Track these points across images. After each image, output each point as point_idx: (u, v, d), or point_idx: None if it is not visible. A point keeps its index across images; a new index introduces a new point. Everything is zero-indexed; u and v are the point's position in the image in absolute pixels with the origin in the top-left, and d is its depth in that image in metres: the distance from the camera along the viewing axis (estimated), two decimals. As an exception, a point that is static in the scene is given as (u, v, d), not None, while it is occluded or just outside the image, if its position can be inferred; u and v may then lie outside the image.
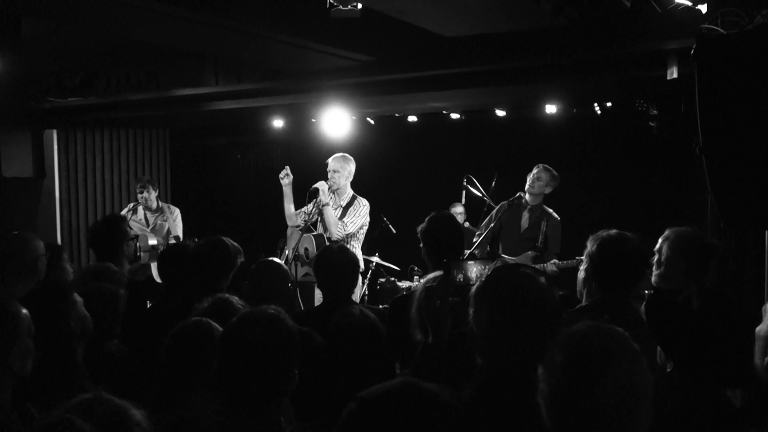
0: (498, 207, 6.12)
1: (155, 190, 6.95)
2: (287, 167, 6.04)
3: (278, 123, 8.30)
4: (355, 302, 3.61)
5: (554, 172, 6.02)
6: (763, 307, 1.96)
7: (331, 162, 6.10)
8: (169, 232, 6.83)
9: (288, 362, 1.93)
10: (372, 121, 8.17)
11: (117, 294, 3.19)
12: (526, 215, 6.00)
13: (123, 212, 6.97)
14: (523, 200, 5.99)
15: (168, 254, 4.11)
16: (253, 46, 4.92)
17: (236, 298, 2.84)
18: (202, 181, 8.42)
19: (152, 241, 6.50)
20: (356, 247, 5.94)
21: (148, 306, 4.35)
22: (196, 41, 4.97)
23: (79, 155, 8.07)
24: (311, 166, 8.52)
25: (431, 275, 2.56)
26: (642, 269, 2.88)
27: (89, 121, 7.93)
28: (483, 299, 1.92)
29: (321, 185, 5.84)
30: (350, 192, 6.07)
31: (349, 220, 5.89)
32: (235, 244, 4.05)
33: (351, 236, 5.91)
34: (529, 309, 1.87)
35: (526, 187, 5.98)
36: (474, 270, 2.35)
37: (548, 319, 1.87)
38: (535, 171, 6.00)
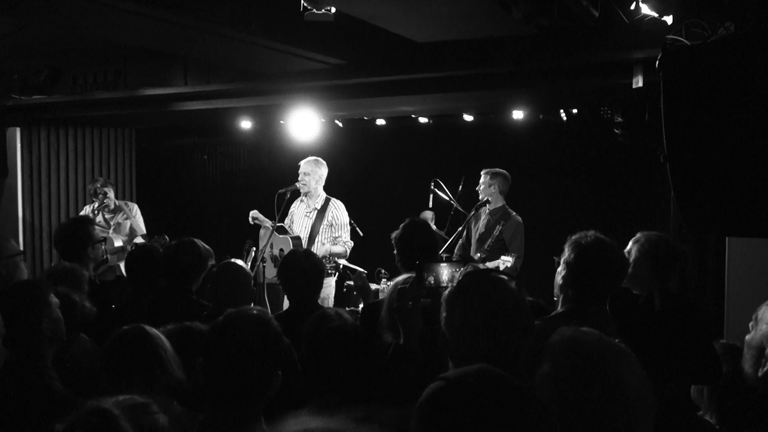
0: (471, 214, 6.23)
1: (111, 189, 6.82)
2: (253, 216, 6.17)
3: (246, 124, 8.26)
4: (323, 306, 3.62)
5: (498, 170, 6.14)
6: (755, 315, 2.02)
7: (303, 165, 6.11)
8: (132, 229, 6.74)
9: (271, 363, 1.95)
10: (340, 124, 8.18)
11: (71, 299, 3.11)
12: (484, 220, 6.13)
13: (105, 204, 6.79)
14: (487, 205, 6.12)
15: (137, 255, 4.07)
16: (223, 47, 4.89)
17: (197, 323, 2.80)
18: (168, 181, 8.34)
19: (118, 243, 6.42)
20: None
21: (114, 307, 4.30)
22: (165, 41, 4.91)
23: (42, 154, 7.94)
24: (278, 168, 8.52)
25: (402, 277, 2.58)
26: (621, 276, 2.81)
27: (54, 119, 7.81)
28: (455, 303, 1.96)
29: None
30: (323, 195, 6.10)
31: (341, 233, 6.03)
32: (207, 246, 4.03)
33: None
34: (499, 313, 1.90)
35: (481, 198, 6.14)
36: (445, 272, 2.39)
37: (518, 323, 1.91)
38: (481, 178, 6.13)
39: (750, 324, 2.11)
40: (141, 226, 6.79)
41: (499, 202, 6.12)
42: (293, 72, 5.55)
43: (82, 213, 6.96)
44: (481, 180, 6.14)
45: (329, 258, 5.91)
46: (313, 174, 6.02)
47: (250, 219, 6.23)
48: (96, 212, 6.78)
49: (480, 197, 6.14)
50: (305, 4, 3.74)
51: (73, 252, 4.18)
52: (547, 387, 1.54)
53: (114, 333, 2.39)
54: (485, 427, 1.29)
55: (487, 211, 6.14)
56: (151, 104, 6.79)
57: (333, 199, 6.10)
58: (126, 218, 6.76)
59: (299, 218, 6.16)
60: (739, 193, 2.79)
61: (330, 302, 5.98)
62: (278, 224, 5.98)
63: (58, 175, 8.08)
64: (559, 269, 2.82)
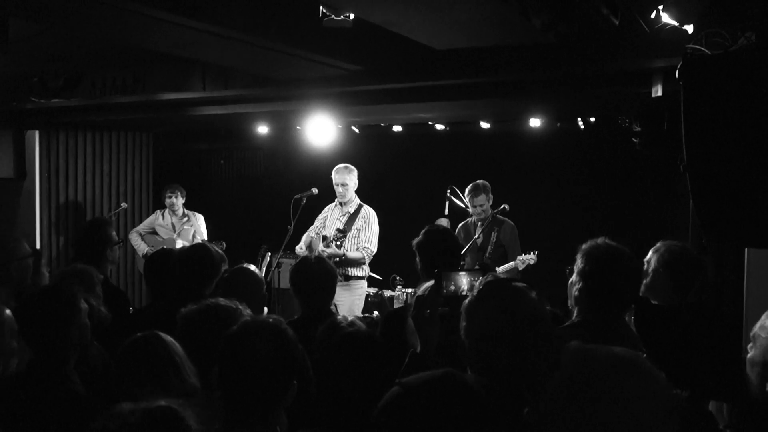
0: (457, 230, 6.23)
1: (183, 197, 7.52)
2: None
3: (263, 129, 8.29)
4: (334, 313, 3.60)
5: (478, 183, 6.15)
6: (751, 333, 2.00)
7: (337, 176, 6.17)
8: (194, 236, 7.31)
9: (288, 372, 1.95)
10: (357, 130, 8.19)
11: (89, 304, 3.11)
12: (479, 230, 6.15)
13: (151, 217, 7.68)
14: (474, 217, 6.18)
15: (154, 260, 4.08)
16: (241, 53, 4.91)
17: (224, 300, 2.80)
18: (185, 185, 8.38)
19: (179, 245, 6.83)
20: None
21: (131, 311, 4.33)
22: (184, 46, 4.94)
23: (60, 157, 8.00)
24: (295, 173, 8.54)
25: (424, 285, 2.57)
26: (636, 285, 2.79)
27: (72, 122, 7.87)
28: (475, 312, 1.95)
29: (314, 243, 6.06)
30: (356, 201, 6.17)
31: (366, 238, 6.07)
32: (219, 250, 4.03)
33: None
34: (519, 323, 1.89)
35: (475, 217, 6.15)
36: (464, 281, 2.38)
37: (538, 333, 1.90)
38: (472, 201, 6.13)
39: (749, 345, 2.08)
40: (203, 233, 7.45)
41: (488, 211, 6.14)
42: (310, 78, 5.56)
43: (152, 216, 7.69)
44: (479, 201, 6.08)
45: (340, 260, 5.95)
46: (350, 182, 6.15)
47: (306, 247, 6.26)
48: (164, 215, 7.54)
49: (481, 217, 6.12)
50: (324, 11, 3.76)
51: (91, 253, 4.21)
52: (557, 396, 1.53)
53: (128, 339, 2.40)
54: None
55: (478, 222, 6.16)
56: (169, 109, 6.84)
57: (365, 207, 6.17)
58: (191, 225, 7.42)
59: (332, 222, 6.20)
60: (759, 203, 2.77)
61: (361, 302, 6.05)
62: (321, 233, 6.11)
63: (76, 178, 8.14)
64: (572, 279, 2.79)
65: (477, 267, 3.19)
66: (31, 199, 7.82)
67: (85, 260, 4.14)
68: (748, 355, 1.98)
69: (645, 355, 2.03)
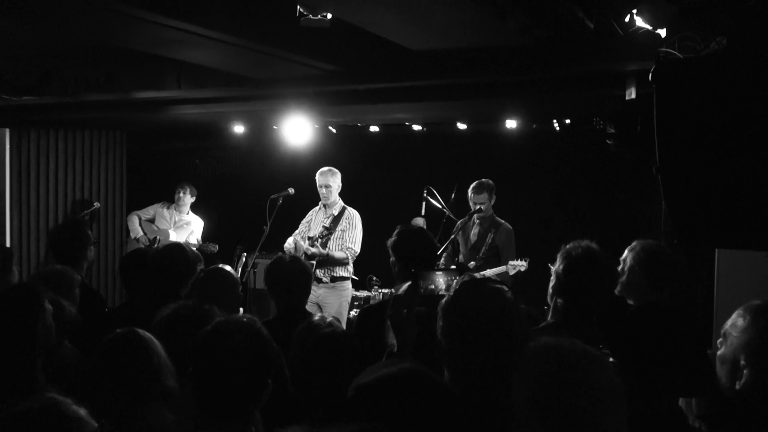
0: (456, 227, 6.24)
1: (192, 197, 7.64)
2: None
3: (239, 129, 8.25)
4: (310, 313, 3.60)
5: (483, 181, 6.14)
6: (722, 330, 2.03)
7: (321, 178, 6.20)
8: (190, 236, 7.43)
9: (262, 372, 1.94)
10: (334, 130, 8.19)
11: (60, 304, 3.06)
12: (475, 230, 6.17)
13: (156, 205, 7.78)
14: (475, 216, 6.14)
15: (129, 259, 4.06)
16: (218, 52, 4.87)
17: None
18: (159, 185, 8.30)
19: (172, 238, 7.10)
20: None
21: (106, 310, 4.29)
22: (159, 45, 4.90)
23: (32, 155, 7.88)
24: (271, 173, 8.50)
25: (404, 286, 2.57)
26: (610, 290, 2.82)
27: (44, 121, 7.75)
28: (451, 312, 1.96)
29: (299, 244, 6.08)
30: (340, 203, 6.21)
31: (349, 238, 6.12)
32: (195, 250, 4.02)
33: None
34: (495, 323, 1.91)
35: (476, 214, 6.12)
36: (441, 280, 2.39)
37: (514, 333, 1.91)
38: (473, 197, 6.12)
39: (719, 341, 2.13)
40: (198, 236, 7.57)
41: (489, 211, 6.14)
42: (287, 77, 5.54)
43: (157, 205, 7.79)
44: (479, 200, 6.07)
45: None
46: (334, 185, 6.18)
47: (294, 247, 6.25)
48: (169, 208, 7.69)
49: (480, 215, 6.12)
50: (301, 10, 3.75)
51: (70, 255, 4.18)
52: (520, 389, 1.55)
53: (106, 337, 2.36)
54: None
55: (477, 220, 6.14)
56: (144, 108, 6.77)
57: (349, 209, 6.21)
58: (190, 225, 7.56)
59: (317, 225, 6.22)
60: (730, 206, 2.82)
61: (347, 304, 6.07)
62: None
63: (48, 177, 8.02)
64: (551, 281, 2.82)
65: (453, 267, 3.21)
66: (1, 199, 7.69)
67: (63, 261, 4.10)
68: (718, 352, 2.02)
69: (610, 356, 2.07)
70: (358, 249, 6.17)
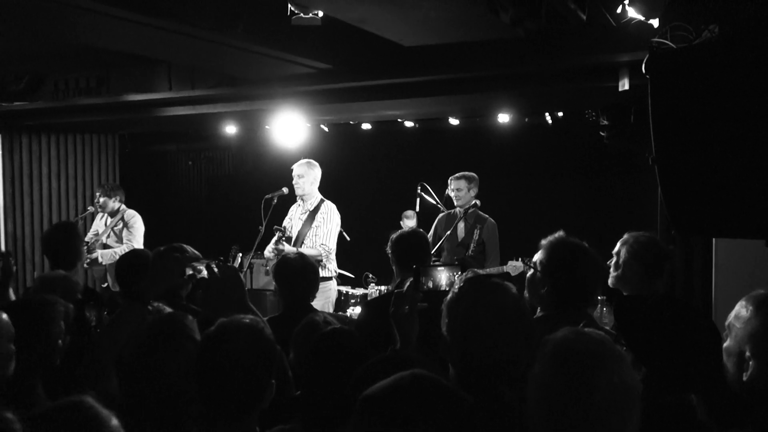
0: (437, 219, 6.20)
1: (113, 198, 6.83)
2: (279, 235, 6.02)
3: (231, 129, 8.22)
4: (316, 310, 3.61)
5: (471, 174, 6.09)
6: (726, 323, 2.03)
7: (296, 168, 6.08)
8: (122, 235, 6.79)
9: (265, 372, 1.93)
10: (326, 129, 8.17)
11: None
12: (461, 225, 6.08)
13: (89, 211, 7.14)
14: (458, 210, 6.08)
15: (126, 261, 4.02)
16: (208, 52, 4.85)
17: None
18: (152, 187, 8.29)
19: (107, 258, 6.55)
20: (333, 257, 5.96)
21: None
22: (149, 46, 4.87)
23: (24, 160, 7.85)
24: (264, 173, 8.48)
25: (407, 283, 2.56)
26: (597, 283, 2.82)
27: (35, 125, 7.73)
28: (456, 309, 1.95)
29: (270, 248, 5.95)
30: (318, 196, 6.06)
31: (323, 233, 5.87)
32: (195, 251, 3.98)
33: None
34: (501, 320, 1.89)
35: (454, 202, 6.07)
36: (443, 276, 2.38)
37: (520, 329, 1.91)
38: (451, 184, 6.07)
39: (724, 334, 2.13)
40: (135, 235, 6.79)
41: (467, 202, 6.05)
42: (279, 76, 5.52)
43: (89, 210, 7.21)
44: (457, 185, 6.01)
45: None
46: (307, 176, 5.98)
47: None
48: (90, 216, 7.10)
49: (457, 203, 6.05)
50: (292, 8, 3.73)
51: (68, 259, 4.15)
52: (533, 389, 1.54)
53: (50, 406, 1.72)
54: None
55: (461, 215, 6.08)
56: (135, 110, 6.74)
57: (326, 202, 6.05)
58: (124, 226, 6.80)
59: (296, 221, 6.11)
60: (726, 195, 2.81)
61: (331, 306, 5.92)
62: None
63: (41, 181, 7.99)
64: (536, 274, 2.82)
65: (456, 263, 3.20)
66: (-7, 204, 7.67)
67: (61, 266, 4.08)
68: (724, 345, 2.01)
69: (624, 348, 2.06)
70: (332, 245, 5.89)
